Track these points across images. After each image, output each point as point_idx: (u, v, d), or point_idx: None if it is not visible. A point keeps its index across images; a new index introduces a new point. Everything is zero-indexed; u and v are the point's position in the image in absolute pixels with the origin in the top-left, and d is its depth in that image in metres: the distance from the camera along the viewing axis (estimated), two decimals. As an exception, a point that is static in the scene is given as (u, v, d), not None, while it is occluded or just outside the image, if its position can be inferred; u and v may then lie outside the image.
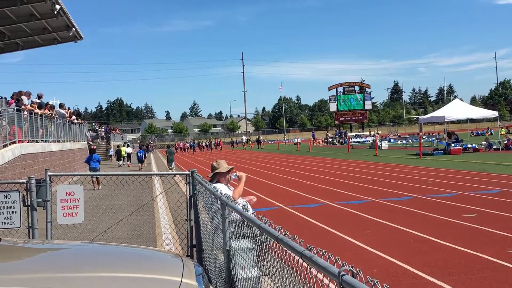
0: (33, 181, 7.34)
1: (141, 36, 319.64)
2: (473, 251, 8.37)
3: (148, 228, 11.65)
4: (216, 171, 7.58)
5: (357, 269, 2.09)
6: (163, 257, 4.89)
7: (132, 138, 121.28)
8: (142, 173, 9.14)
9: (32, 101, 23.82)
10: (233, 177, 7.64)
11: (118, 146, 49.48)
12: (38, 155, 21.20)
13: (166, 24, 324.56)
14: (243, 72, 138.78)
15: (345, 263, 2.15)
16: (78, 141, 34.70)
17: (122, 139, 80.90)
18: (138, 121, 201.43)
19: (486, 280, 6.87)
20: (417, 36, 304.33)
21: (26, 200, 7.36)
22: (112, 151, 51.66)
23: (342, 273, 2.08)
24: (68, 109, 32.85)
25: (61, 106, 31.07)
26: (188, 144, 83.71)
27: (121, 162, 42.88)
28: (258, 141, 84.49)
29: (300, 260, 2.77)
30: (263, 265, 4.55)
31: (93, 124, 58.45)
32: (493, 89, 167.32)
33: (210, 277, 6.58)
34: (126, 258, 4.56)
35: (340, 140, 74.14)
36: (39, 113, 22.69)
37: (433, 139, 46.15)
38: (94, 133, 55.87)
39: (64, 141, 28.56)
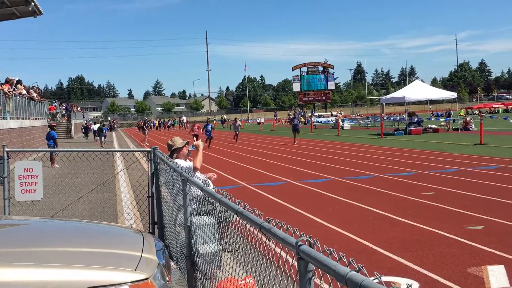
0: (-11, 157, 7.18)
1: (105, 13, 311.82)
2: (431, 227, 8.59)
3: (109, 205, 11.52)
4: (173, 148, 7.59)
5: (315, 239, 2.12)
6: (124, 232, 4.87)
7: (94, 117, 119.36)
8: (103, 149, 9.03)
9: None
10: (191, 148, 7.77)
11: (85, 123, 49.06)
12: (-5, 132, 20.68)
13: (130, 1, 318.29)
14: (207, 51, 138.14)
15: (303, 234, 2.18)
16: (38, 119, 33.97)
17: (84, 117, 79.56)
18: (100, 99, 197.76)
19: (441, 255, 7.06)
20: (381, 17, 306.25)
21: (-18, 177, 7.20)
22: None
23: (300, 243, 2.10)
24: (24, 87, 31.85)
25: (18, 82, 30.25)
26: (197, 125, 35.94)
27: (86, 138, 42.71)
28: (222, 121, 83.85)
29: (260, 234, 2.78)
30: (225, 241, 4.57)
31: (53, 102, 57.16)
32: (453, 71, 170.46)
33: (171, 254, 6.59)
34: (87, 233, 4.53)
35: (303, 120, 74.55)
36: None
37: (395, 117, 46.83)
38: (54, 111, 54.78)
39: (23, 118, 27.92)
